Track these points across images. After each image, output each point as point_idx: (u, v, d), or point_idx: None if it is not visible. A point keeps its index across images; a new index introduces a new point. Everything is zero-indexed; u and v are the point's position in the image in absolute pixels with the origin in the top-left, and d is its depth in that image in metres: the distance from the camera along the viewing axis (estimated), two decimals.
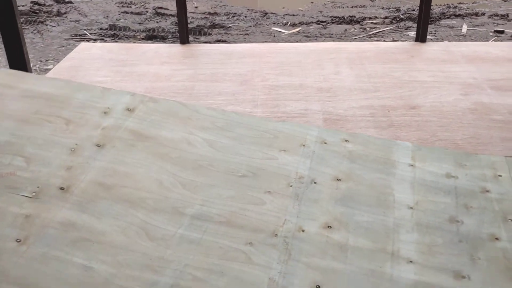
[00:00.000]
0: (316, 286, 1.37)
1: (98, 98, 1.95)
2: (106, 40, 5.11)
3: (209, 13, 5.89)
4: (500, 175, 1.83)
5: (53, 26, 5.41)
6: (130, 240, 1.43)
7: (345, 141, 1.96)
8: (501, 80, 3.28)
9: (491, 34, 5.28)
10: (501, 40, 5.02)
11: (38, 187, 1.54)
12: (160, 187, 1.62)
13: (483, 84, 3.24)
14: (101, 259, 1.37)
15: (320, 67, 3.53)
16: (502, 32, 5.32)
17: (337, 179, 1.75)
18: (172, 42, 4.89)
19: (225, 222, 1.53)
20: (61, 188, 1.55)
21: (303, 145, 1.89)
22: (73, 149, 1.70)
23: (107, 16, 5.71)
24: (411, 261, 1.47)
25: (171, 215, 1.53)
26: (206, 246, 1.45)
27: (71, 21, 5.63)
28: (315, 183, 1.72)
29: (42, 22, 5.56)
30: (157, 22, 5.64)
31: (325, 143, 1.93)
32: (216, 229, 1.51)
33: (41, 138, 1.72)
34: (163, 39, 5.19)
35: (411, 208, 1.66)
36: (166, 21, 5.66)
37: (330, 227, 1.56)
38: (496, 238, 1.56)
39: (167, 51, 3.84)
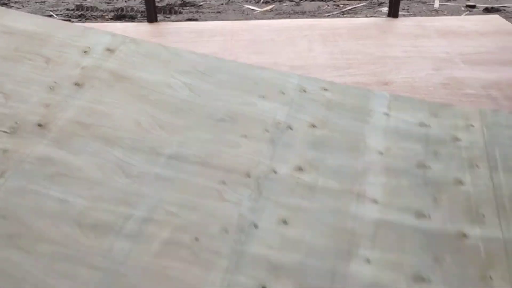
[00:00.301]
0: (283, 221, 1.43)
1: (78, 37, 1.94)
2: (73, 21, 4.96)
3: None
4: (472, 125, 1.87)
5: (17, 7, 5.24)
6: (106, 177, 1.47)
7: (324, 89, 1.98)
8: (473, 54, 3.26)
9: (463, 8, 5.21)
10: (472, 15, 4.96)
11: (16, 123, 1.57)
12: (138, 128, 1.65)
13: (455, 58, 3.22)
14: (77, 193, 1.41)
15: (293, 44, 3.46)
16: (473, 6, 5.24)
17: (313, 126, 1.79)
18: (141, 22, 4.77)
19: (200, 162, 1.57)
20: (39, 125, 1.58)
21: (283, 93, 1.92)
22: (52, 87, 1.72)
23: None
24: (375, 201, 1.53)
25: (148, 155, 1.56)
26: (181, 184, 1.49)
27: (36, 2, 5.45)
28: (291, 129, 1.76)
29: (6, 4, 5.37)
30: (125, 1, 5.47)
31: (305, 91, 1.95)
32: (192, 168, 1.55)
33: (20, 75, 1.73)
34: (132, 18, 5.05)
35: (381, 153, 1.71)
36: (135, 0, 5.50)
37: (302, 169, 1.61)
38: (460, 182, 1.62)
39: (135, 30, 3.72)
